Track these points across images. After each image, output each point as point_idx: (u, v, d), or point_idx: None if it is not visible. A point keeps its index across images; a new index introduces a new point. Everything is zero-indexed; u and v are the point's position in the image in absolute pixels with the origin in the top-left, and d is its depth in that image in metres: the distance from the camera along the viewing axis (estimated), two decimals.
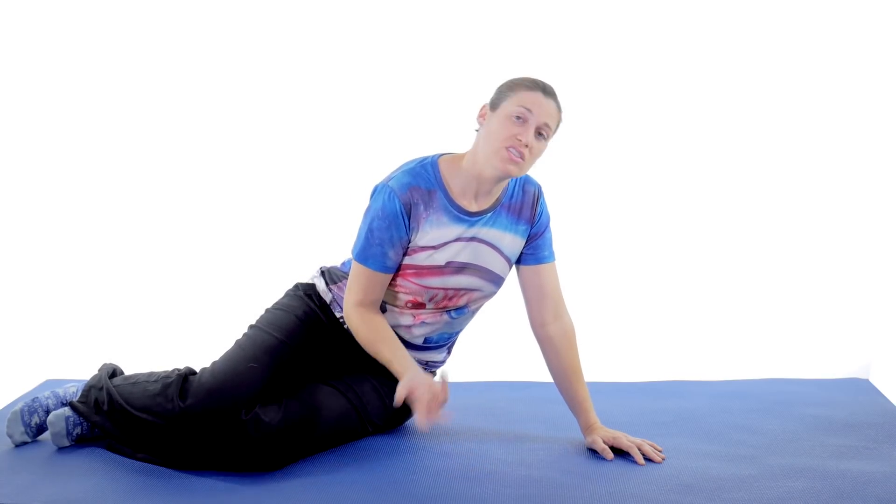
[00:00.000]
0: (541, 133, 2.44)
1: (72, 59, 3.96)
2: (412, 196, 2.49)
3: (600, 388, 3.07)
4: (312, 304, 2.67)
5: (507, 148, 2.42)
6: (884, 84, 3.79)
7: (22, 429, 2.59)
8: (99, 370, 2.68)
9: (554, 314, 2.63)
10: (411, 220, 2.49)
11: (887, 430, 2.70)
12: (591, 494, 2.24)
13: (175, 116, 4.01)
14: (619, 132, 3.96)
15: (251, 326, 2.66)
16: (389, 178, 2.52)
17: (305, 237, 3.93)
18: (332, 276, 2.70)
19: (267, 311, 2.70)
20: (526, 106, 2.42)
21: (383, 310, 2.60)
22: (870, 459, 2.47)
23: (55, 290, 3.93)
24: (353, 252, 2.55)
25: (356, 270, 2.53)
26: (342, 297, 2.64)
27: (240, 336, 2.65)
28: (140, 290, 3.96)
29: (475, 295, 2.60)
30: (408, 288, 2.55)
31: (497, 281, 2.61)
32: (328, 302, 2.67)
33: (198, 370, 2.56)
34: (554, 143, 3.97)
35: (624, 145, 3.96)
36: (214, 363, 2.55)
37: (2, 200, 3.98)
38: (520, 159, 2.42)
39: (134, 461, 2.47)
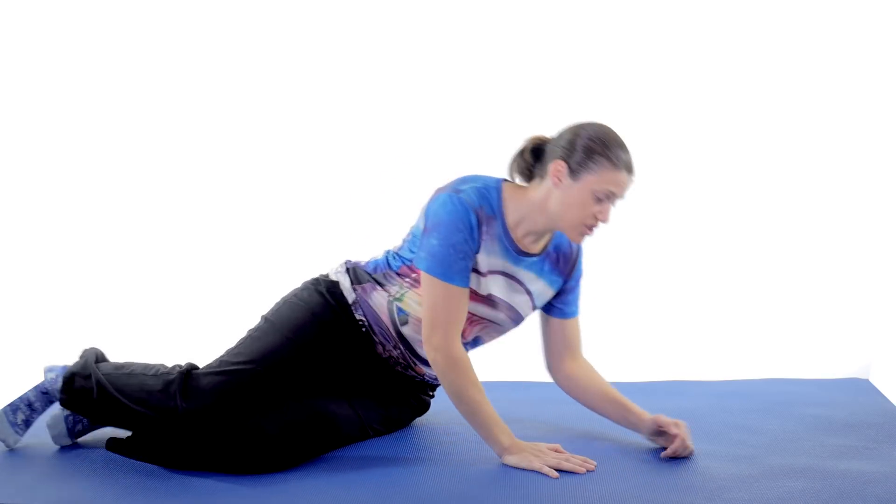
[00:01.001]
0: (616, 201, 2.43)
1: (72, 58, 3.96)
2: (480, 214, 2.43)
3: None
4: (332, 303, 2.59)
5: (586, 225, 2.41)
6: (884, 84, 3.79)
7: (10, 429, 2.57)
8: (81, 356, 2.64)
9: (571, 358, 2.64)
10: (479, 235, 2.43)
11: (887, 430, 2.70)
12: (591, 494, 2.24)
13: (176, 114, 4.01)
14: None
15: (265, 319, 2.61)
16: (458, 190, 2.43)
17: (303, 230, 3.94)
18: (358, 275, 2.61)
19: (284, 302, 2.63)
20: (612, 190, 2.38)
21: (405, 322, 2.56)
22: (870, 459, 2.47)
23: (54, 285, 3.93)
24: (431, 271, 2.41)
25: (440, 293, 2.41)
26: (366, 300, 2.58)
27: (251, 326, 2.61)
28: (140, 285, 3.96)
29: (493, 330, 2.57)
30: None
31: (519, 322, 2.59)
32: (350, 302, 2.60)
33: (200, 366, 2.54)
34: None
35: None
36: (222, 361, 2.53)
37: (1, 197, 3.98)
38: (592, 232, 2.43)
39: (134, 461, 2.46)
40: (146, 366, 2.57)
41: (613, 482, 2.31)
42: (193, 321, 3.85)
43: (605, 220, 2.41)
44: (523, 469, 2.37)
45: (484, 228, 2.43)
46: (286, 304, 2.62)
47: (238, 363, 2.50)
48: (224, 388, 2.44)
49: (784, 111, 3.88)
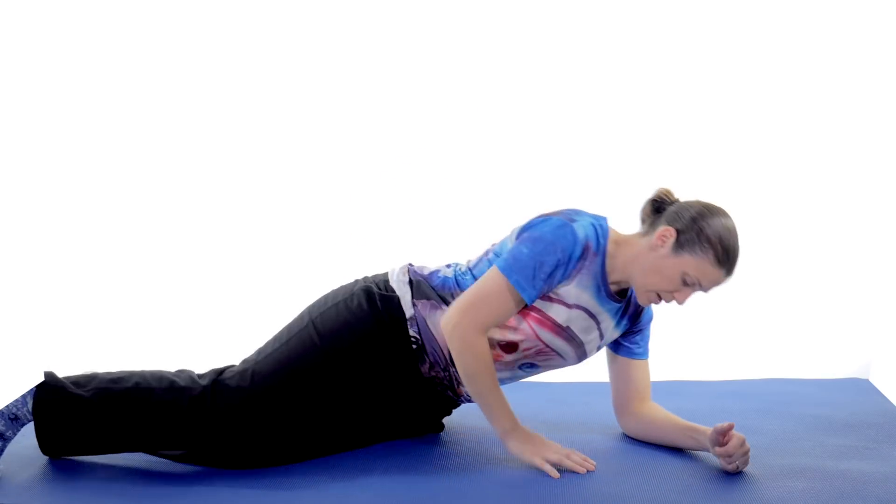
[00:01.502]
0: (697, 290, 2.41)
1: (83, 59, 3.95)
2: (585, 249, 2.40)
3: (601, 389, 3.06)
4: (385, 318, 2.47)
5: (659, 297, 2.40)
6: (884, 84, 3.79)
7: None
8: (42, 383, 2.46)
9: (640, 402, 2.60)
10: (574, 269, 2.41)
11: (887, 430, 2.70)
12: (591, 494, 2.24)
13: (179, 117, 4.00)
14: (619, 132, 3.95)
15: (310, 322, 2.50)
16: (572, 220, 2.41)
17: (300, 236, 3.94)
18: (422, 289, 2.51)
19: (334, 305, 2.50)
20: (702, 282, 2.37)
21: (443, 301, 2.49)
22: (870, 459, 2.47)
23: (54, 289, 3.93)
24: (505, 270, 2.37)
25: (497, 289, 2.37)
26: (424, 318, 2.48)
27: (292, 321, 2.54)
28: (139, 289, 3.95)
29: (556, 362, 2.53)
30: (521, 330, 2.44)
31: (582, 360, 2.55)
32: (406, 317, 2.49)
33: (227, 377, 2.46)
34: (554, 143, 3.99)
35: (624, 145, 3.95)
36: (254, 372, 2.45)
37: (1, 199, 3.98)
38: (660, 303, 2.42)
39: (134, 461, 2.46)
40: (159, 377, 2.47)
41: (613, 482, 2.31)
42: (191, 324, 3.85)
43: (680, 302, 2.39)
44: (525, 462, 2.36)
45: (584, 263, 2.40)
46: (335, 308, 2.51)
47: (265, 375, 2.44)
48: (252, 397, 2.41)
49: (783, 111, 3.88)
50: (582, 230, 2.39)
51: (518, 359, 2.49)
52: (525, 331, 2.44)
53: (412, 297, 2.50)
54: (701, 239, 2.35)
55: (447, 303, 2.47)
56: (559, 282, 2.40)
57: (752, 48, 3.88)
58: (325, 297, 2.58)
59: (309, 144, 4.02)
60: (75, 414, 2.42)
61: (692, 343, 3.72)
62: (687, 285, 2.37)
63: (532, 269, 2.36)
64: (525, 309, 2.42)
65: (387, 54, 3.98)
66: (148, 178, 4.02)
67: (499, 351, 2.47)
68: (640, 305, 2.56)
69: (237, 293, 3.95)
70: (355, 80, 4.00)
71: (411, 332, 2.48)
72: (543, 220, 2.42)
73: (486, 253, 2.54)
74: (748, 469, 2.38)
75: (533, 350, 2.47)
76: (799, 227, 3.87)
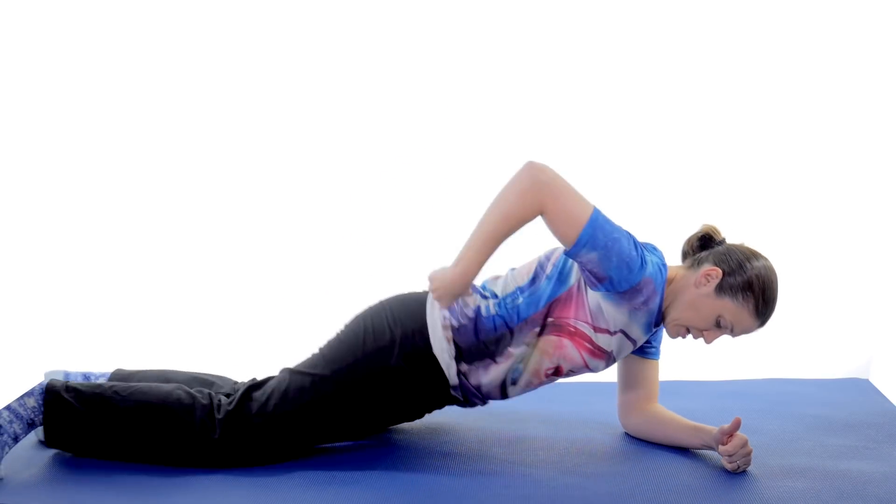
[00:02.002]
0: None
1: (90, 60, 3.95)
2: (650, 283, 2.36)
3: (601, 389, 3.07)
4: (427, 384, 2.41)
5: (687, 331, 2.40)
6: (884, 84, 3.79)
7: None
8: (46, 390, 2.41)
9: (647, 402, 2.58)
10: (638, 296, 2.35)
11: (887, 430, 2.70)
12: (591, 494, 2.24)
13: (184, 117, 4.00)
14: (619, 132, 3.95)
15: (344, 377, 2.40)
16: (646, 250, 2.39)
17: (306, 233, 3.94)
18: (470, 352, 2.40)
19: (367, 360, 2.40)
20: (736, 328, 2.38)
21: (515, 381, 2.43)
22: (870, 459, 2.47)
23: (54, 286, 3.92)
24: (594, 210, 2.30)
25: (583, 206, 2.28)
26: (470, 384, 2.42)
27: (331, 342, 2.48)
28: (140, 287, 3.95)
29: (586, 373, 2.50)
30: (570, 358, 2.41)
31: (610, 366, 2.51)
32: (451, 385, 2.42)
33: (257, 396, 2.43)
34: (554, 144, 3.99)
35: (623, 145, 3.95)
36: (277, 415, 2.40)
37: (1, 197, 3.98)
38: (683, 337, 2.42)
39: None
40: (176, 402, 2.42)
41: (613, 482, 2.31)
42: (192, 322, 3.84)
43: (706, 342, 2.41)
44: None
45: (643, 299, 2.36)
46: (366, 361, 2.40)
47: (288, 415, 2.41)
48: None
49: (782, 110, 3.88)
50: (651, 265, 2.35)
51: (556, 377, 2.49)
52: (574, 359, 2.41)
53: (458, 365, 2.42)
54: (745, 287, 2.36)
55: (503, 351, 2.41)
56: (624, 289, 2.32)
57: (752, 48, 3.88)
58: (355, 337, 2.45)
59: (318, 147, 4.01)
60: (86, 434, 2.41)
61: (692, 343, 3.72)
62: (719, 327, 2.38)
63: (616, 228, 2.31)
64: (579, 340, 2.39)
65: (405, 62, 3.98)
66: (154, 179, 4.01)
67: (546, 379, 2.46)
68: None
69: (237, 293, 3.95)
70: (370, 89, 3.99)
71: (453, 393, 2.45)
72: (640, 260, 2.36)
73: (540, 270, 2.45)
74: (748, 469, 2.38)
75: (574, 371, 2.46)
76: (799, 228, 3.87)
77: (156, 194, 4.01)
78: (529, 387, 2.47)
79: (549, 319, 2.39)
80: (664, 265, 2.42)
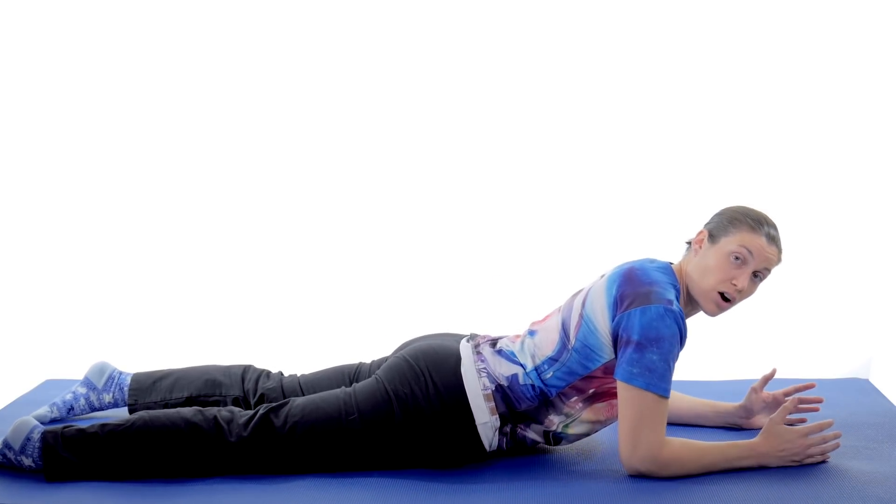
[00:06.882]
0: (757, 275, 2.37)
1: (93, 61, 3.95)
2: (683, 315, 2.33)
3: None
4: (460, 447, 2.37)
5: (719, 291, 2.35)
6: (884, 84, 3.80)
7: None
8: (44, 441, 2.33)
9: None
10: None
11: (887, 430, 2.70)
12: (591, 494, 2.24)
13: (185, 118, 4.01)
14: (619, 132, 3.96)
15: (397, 397, 2.36)
16: (670, 302, 2.30)
17: (307, 234, 3.94)
18: (510, 414, 2.39)
19: (409, 425, 2.34)
20: (747, 247, 2.34)
21: (559, 442, 2.44)
22: (870, 459, 2.47)
23: (55, 289, 3.93)
24: (651, 387, 2.24)
25: (652, 407, 2.26)
26: (509, 439, 2.41)
27: (371, 386, 2.39)
28: (140, 290, 3.96)
29: None
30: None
31: None
32: (487, 449, 2.39)
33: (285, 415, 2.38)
34: (553, 143, 3.99)
35: (623, 145, 3.96)
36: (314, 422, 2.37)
37: (1, 200, 3.98)
38: (728, 305, 2.37)
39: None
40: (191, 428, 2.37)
41: (613, 482, 2.31)
42: (192, 325, 3.85)
43: (741, 287, 2.33)
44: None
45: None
46: (408, 426, 2.35)
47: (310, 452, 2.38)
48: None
49: (782, 110, 3.88)
50: (674, 303, 2.31)
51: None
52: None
53: (500, 415, 2.38)
54: (729, 221, 2.38)
55: (544, 419, 2.41)
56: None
57: (752, 49, 3.88)
58: (389, 402, 2.37)
59: (318, 147, 4.02)
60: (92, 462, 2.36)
61: (692, 343, 3.72)
62: (740, 263, 2.34)
63: (668, 370, 2.28)
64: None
65: (406, 62, 3.99)
66: (155, 181, 4.02)
67: (596, 426, 2.45)
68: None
69: (237, 293, 3.95)
70: (370, 89, 4.00)
71: (487, 449, 2.42)
72: (646, 312, 2.28)
73: (565, 337, 2.39)
74: (748, 469, 2.37)
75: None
76: (799, 228, 3.86)
77: (156, 194, 4.02)
78: (580, 439, 2.49)
79: (592, 391, 2.39)
80: (675, 284, 2.38)
